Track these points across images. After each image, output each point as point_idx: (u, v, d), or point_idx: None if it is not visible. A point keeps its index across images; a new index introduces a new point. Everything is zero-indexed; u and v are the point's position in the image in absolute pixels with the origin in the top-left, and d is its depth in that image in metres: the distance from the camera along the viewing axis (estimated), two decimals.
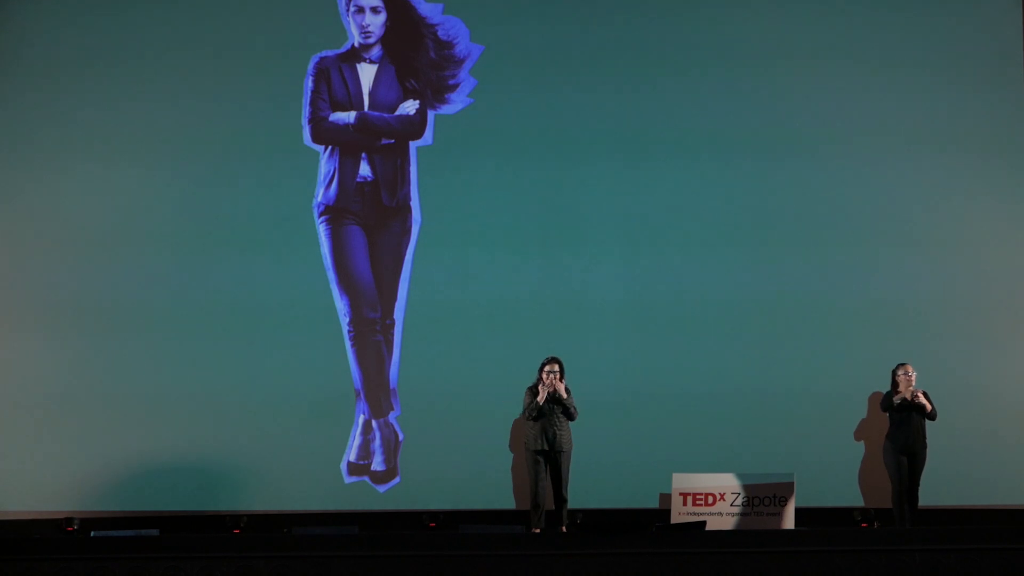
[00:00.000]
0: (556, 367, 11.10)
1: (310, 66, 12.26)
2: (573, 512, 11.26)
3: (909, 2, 12.32)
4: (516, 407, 11.65)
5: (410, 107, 12.23)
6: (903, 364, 11.32)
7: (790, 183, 12.16)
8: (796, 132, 12.19)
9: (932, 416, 11.26)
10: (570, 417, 11.14)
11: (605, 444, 11.47)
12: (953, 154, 12.18)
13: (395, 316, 12.11)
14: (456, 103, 12.27)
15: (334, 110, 12.24)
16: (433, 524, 11.43)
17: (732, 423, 11.91)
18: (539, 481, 11.08)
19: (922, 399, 11.18)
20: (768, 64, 12.24)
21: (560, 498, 11.11)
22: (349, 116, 12.22)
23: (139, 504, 11.83)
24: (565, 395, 11.06)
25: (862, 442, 11.92)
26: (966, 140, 12.20)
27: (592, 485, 11.54)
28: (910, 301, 12.06)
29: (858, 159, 12.18)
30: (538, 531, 10.85)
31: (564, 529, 10.97)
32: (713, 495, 11.33)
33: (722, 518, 11.25)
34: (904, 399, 11.19)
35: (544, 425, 11.09)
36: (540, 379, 11.15)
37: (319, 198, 12.18)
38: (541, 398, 11.04)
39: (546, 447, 11.08)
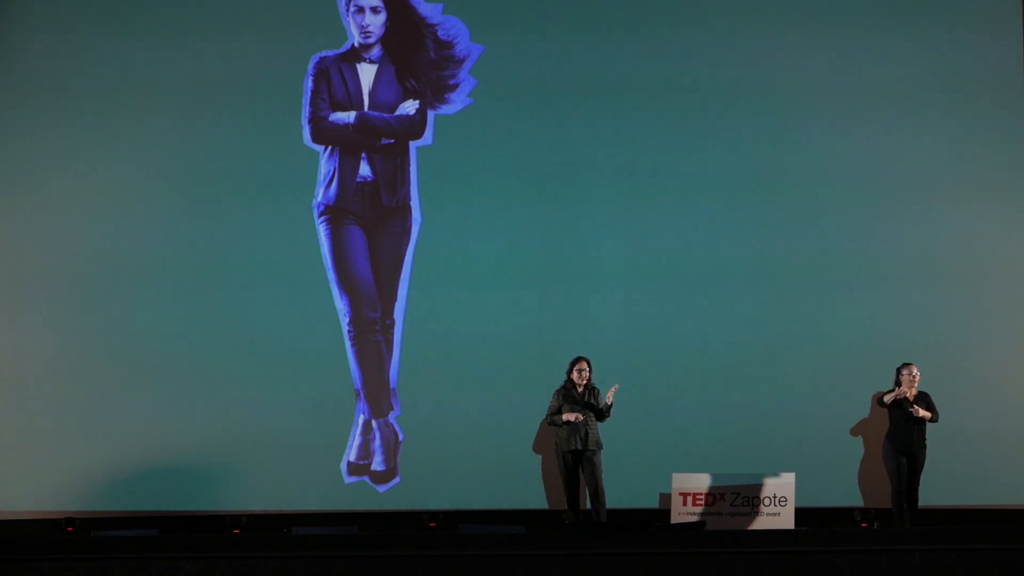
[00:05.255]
0: (586, 366, 11.22)
1: (310, 66, 12.26)
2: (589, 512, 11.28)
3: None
4: (516, 407, 11.72)
5: (410, 107, 12.23)
6: (908, 364, 11.31)
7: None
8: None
9: (934, 419, 11.27)
10: (599, 419, 11.24)
11: (606, 444, 11.45)
12: (951, 163, 12.20)
13: (395, 316, 12.11)
14: (456, 103, 12.27)
15: (334, 110, 12.24)
16: (433, 524, 11.43)
17: (732, 423, 11.92)
18: (574, 482, 11.14)
19: (921, 412, 11.17)
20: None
21: (597, 500, 11.14)
22: (349, 116, 12.22)
23: (139, 504, 11.84)
24: (609, 403, 11.21)
25: (862, 442, 11.92)
26: (964, 152, 12.20)
27: None
28: (910, 302, 12.07)
29: (863, 146, 12.19)
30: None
31: None
32: (713, 495, 11.34)
33: (722, 518, 11.25)
34: (896, 398, 11.18)
35: (576, 424, 11.13)
36: (569, 380, 11.20)
37: (319, 198, 12.18)
38: (569, 417, 11.11)
39: (579, 446, 11.12)
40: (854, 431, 11.93)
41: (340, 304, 12.13)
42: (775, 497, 11.29)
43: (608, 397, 11.19)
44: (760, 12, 12.27)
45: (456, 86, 12.27)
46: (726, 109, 12.21)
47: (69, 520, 11.40)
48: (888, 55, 12.25)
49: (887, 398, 11.21)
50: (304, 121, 12.23)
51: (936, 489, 11.53)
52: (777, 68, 12.25)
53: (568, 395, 11.23)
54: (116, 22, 12.25)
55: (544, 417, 11.42)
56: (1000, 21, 12.28)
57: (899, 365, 11.33)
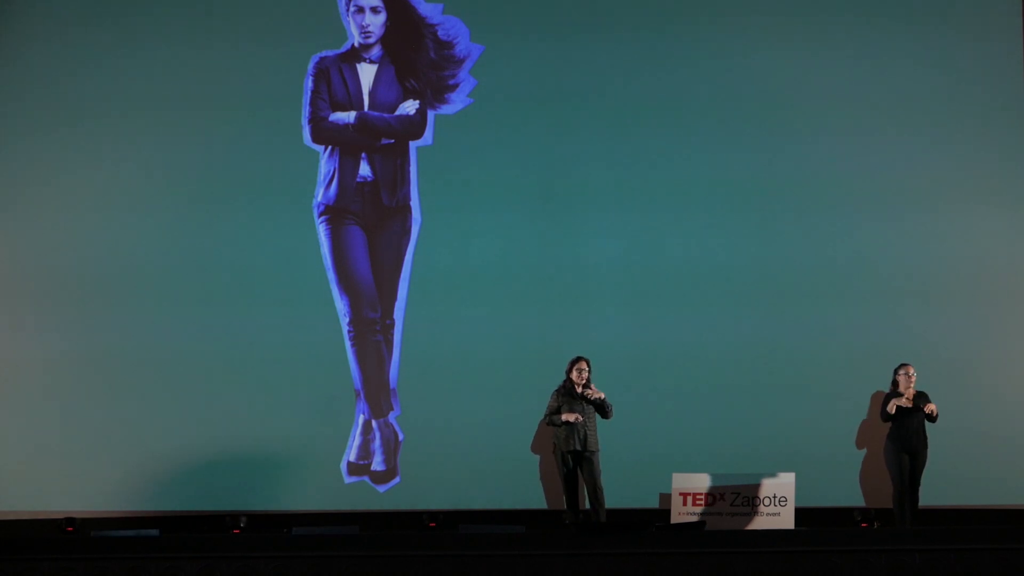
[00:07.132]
0: (585, 366, 11.22)
1: (310, 66, 12.26)
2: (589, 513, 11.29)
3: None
4: (516, 407, 11.73)
5: (410, 107, 12.23)
6: (904, 364, 11.32)
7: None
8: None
9: (932, 418, 11.27)
10: (605, 416, 11.23)
11: (605, 444, 11.44)
12: (955, 148, 12.20)
13: (395, 316, 12.11)
14: (456, 103, 12.27)
15: (334, 110, 12.24)
16: (433, 524, 11.42)
17: (732, 423, 11.91)
18: (573, 482, 11.15)
19: (934, 410, 11.17)
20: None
21: (596, 500, 11.15)
22: (349, 116, 12.22)
23: (139, 504, 11.83)
24: (602, 398, 11.21)
25: (862, 442, 11.92)
26: (970, 136, 12.20)
27: None
28: (911, 301, 12.06)
29: (861, 144, 12.17)
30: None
31: None
32: (713, 495, 11.33)
33: (722, 518, 11.25)
34: (899, 407, 11.18)
35: (575, 425, 11.14)
36: (569, 379, 11.21)
37: (319, 198, 12.18)
38: (569, 417, 11.11)
39: (579, 447, 11.14)
40: (854, 431, 11.92)
41: (340, 304, 12.13)
42: (775, 497, 11.29)
43: (597, 394, 11.17)
44: (761, 13, 12.25)
45: (456, 86, 12.27)
46: (726, 112, 12.19)
47: (69, 520, 11.38)
48: (890, 57, 12.25)
49: (889, 408, 11.20)
50: (304, 121, 12.23)
51: (936, 489, 11.53)
52: (777, 74, 12.23)
53: (567, 395, 11.24)
54: (115, 22, 12.25)
55: (543, 417, 11.42)
56: (1000, 22, 12.27)
57: (896, 366, 11.35)
